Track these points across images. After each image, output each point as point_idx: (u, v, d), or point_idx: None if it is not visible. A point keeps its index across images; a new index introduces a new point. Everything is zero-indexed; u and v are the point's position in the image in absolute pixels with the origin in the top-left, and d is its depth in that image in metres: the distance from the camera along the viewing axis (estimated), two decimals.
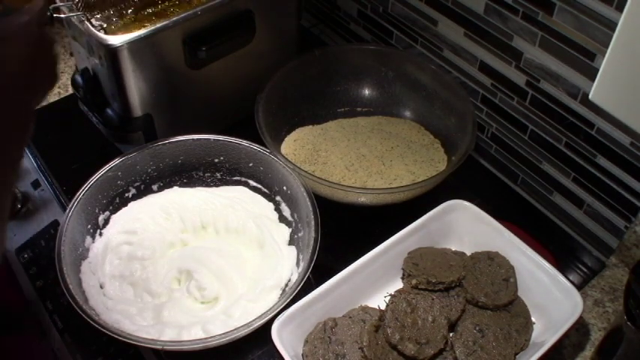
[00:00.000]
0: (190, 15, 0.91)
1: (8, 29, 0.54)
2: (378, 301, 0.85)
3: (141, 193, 0.96)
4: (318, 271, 0.82)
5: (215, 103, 1.05)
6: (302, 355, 0.79)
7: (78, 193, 0.87)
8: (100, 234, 0.91)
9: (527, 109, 0.96)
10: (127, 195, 0.95)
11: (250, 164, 0.97)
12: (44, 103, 1.16)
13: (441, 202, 0.90)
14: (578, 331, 0.86)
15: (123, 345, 0.76)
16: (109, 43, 0.87)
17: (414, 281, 0.84)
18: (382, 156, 1.04)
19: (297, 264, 0.88)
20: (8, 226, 0.97)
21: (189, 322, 0.82)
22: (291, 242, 0.92)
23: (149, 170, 0.96)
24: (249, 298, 0.84)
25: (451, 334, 0.81)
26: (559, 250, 0.94)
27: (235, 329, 0.76)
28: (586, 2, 0.79)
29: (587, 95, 0.66)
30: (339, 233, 0.95)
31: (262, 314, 0.77)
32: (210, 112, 1.06)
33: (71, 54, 1.23)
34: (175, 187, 0.98)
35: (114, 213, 0.93)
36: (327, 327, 0.80)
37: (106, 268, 0.87)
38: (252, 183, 0.98)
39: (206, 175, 0.99)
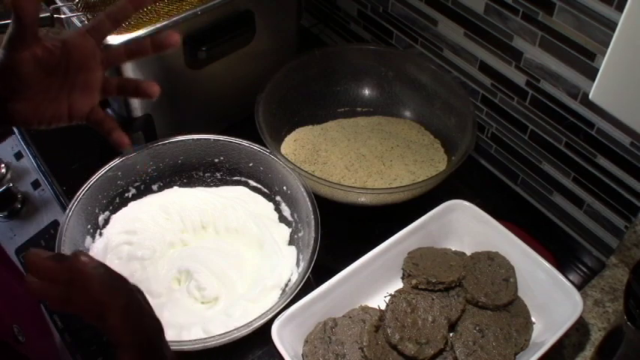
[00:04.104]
0: (190, 15, 0.91)
1: None
2: (378, 301, 0.85)
3: (141, 193, 0.96)
4: (318, 271, 0.82)
5: (215, 103, 1.05)
6: (302, 355, 0.79)
7: (78, 193, 0.87)
8: (100, 234, 0.91)
9: (527, 109, 0.96)
10: (126, 195, 0.95)
11: (250, 164, 0.97)
12: None
13: (441, 202, 0.90)
14: (578, 331, 0.86)
15: None
16: (109, 43, 0.87)
17: (414, 281, 0.84)
18: (382, 156, 1.04)
19: (297, 264, 0.88)
20: (8, 226, 0.98)
21: (189, 322, 0.82)
22: (291, 242, 0.92)
23: (149, 170, 0.96)
24: (249, 298, 0.84)
25: (451, 334, 0.81)
26: (559, 250, 0.94)
27: (235, 329, 0.77)
28: (586, 2, 0.79)
29: (587, 95, 0.66)
30: (339, 233, 0.95)
31: (262, 314, 0.77)
32: (210, 112, 1.06)
33: None
34: (175, 187, 0.98)
35: (114, 213, 0.93)
36: (327, 327, 0.80)
37: None
38: (252, 183, 0.98)
39: (206, 175, 0.99)
